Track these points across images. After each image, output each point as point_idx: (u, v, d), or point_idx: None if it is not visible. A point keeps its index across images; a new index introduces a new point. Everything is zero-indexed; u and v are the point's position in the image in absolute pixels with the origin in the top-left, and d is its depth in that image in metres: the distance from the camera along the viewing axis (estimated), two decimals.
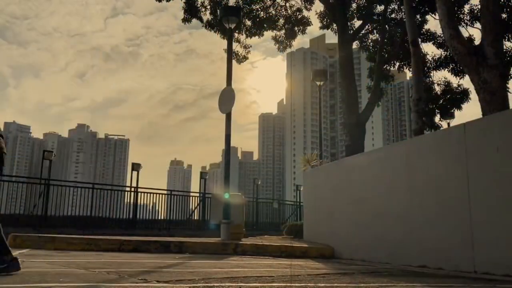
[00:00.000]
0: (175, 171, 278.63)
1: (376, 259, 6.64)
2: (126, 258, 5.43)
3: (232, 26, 8.94)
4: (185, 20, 14.93)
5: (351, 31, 14.35)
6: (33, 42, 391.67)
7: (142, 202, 15.31)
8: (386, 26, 14.57)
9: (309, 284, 2.99)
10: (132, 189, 14.89)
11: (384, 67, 14.11)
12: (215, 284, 2.85)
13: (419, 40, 10.74)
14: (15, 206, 14.08)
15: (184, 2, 14.69)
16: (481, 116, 6.58)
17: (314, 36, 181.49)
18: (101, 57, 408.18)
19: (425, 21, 14.05)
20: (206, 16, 15.37)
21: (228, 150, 8.28)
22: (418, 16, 12.98)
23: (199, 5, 15.10)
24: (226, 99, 8.61)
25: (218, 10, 15.29)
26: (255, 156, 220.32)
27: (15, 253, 5.79)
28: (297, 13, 17.04)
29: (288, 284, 2.97)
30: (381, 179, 6.71)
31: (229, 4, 15.78)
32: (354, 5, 14.43)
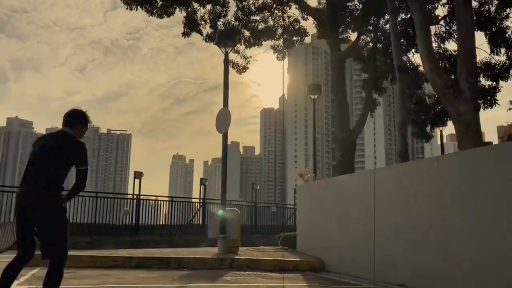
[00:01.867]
0: (177, 166, 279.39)
1: (361, 274, 7.15)
2: (130, 278, 5.98)
3: (228, 49, 9.45)
4: (185, 34, 15.40)
5: (346, 44, 14.79)
6: (33, 36, 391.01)
7: (144, 207, 15.91)
8: (380, 37, 15.00)
9: None
10: (135, 196, 15.46)
11: (378, 79, 14.55)
12: None
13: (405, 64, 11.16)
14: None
15: (184, 17, 15.17)
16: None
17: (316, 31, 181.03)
18: (101, 50, 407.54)
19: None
20: (206, 29, 15.84)
21: (225, 164, 8.80)
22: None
23: (198, 19, 15.56)
24: (223, 119, 9.12)
25: (217, 24, 15.78)
26: (257, 151, 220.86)
27: (28, 275, 6.29)
28: (295, 23, 17.47)
29: None
30: (369, 200, 7.21)
31: (228, 16, 16.24)
32: (348, 19, 14.81)
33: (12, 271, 3.50)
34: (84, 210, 14.60)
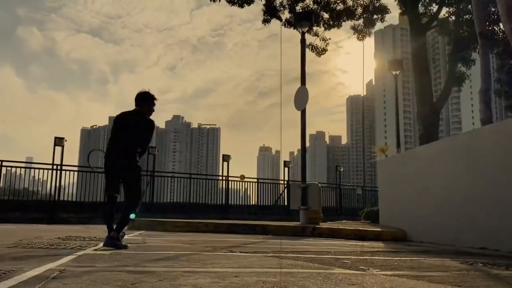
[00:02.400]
0: (264, 157, 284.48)
1: (443, 241, 7.21)
2: (219, 237, 6.72)
3: (305, 30, 9.83)
4: (265, 21, 15.93)
5: (428, 17, 14.28)
6: (127, 39, 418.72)
7: (233, 188, 17.00)
8: (465, 7, 14.28)
9: (351, 257, 3.93)
10: (224, 178, 16.54)
11: (463, 50, 13.89)
12: (282, 254, 3.91)
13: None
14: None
15: (263, 5, 15.72)
16: None
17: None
18: (189, 49, 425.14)
19: None
20: (285, 15, 16.22)
21: (304, 145, 9.22)
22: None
23: (278, 5, 16.00)
24: (301, 97, 9.54)
25: (296, 8, 16.10)
26: (344, 140, 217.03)
27: (135, 233, 7.38)
28: (375, 1, 17.17)
29: (335, 256, 3.93)
30: (445, 168, 7.25)
31: (306, 1, 16.48)
32: None
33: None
34: (180, 190, 16.01)
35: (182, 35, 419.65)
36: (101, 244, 4.71)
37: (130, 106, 5.05)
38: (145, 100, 4.87)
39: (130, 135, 4.69)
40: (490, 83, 7.99)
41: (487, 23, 11.89)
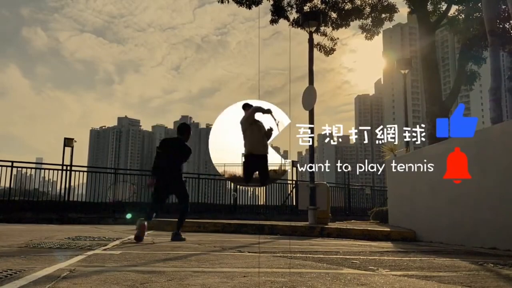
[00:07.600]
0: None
1: (453, 241, 7.16)
2: (227, 237, 6.73)
3: (312, 29, 9.80)
4: (273, 21, 15.90)
5: (437, 15, 14.17)
6: (130, 39, 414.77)
7: (242, 188, 17.00)
8: (475, 5, 14.17)
9: (360, 257, 3.91)
10: None
11: (473, 49, 13.77)
12: (289, 254, 3.91)
13: None
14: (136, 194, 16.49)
15: (271, 5, 15.70)
16: None
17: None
18: (193, 48, 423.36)
19: None
20: (292, 15, 16.18)
21: (312, 146, 9.18)
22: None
23: (285, 5, 15.97)
24: (309, 97, 9.51)
25: (304, 8, 16.07)
26: (351, 140, 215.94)
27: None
28: (383, 0, 17.08)
29: (344, 256, 3.92)
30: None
31: (314, 0, 16.43)
32: None
33: None
34: (188, 190, 16.04)
35: (186, 34, 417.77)
36: (111, 244, 4.75)
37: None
38: (185, 130, 6.60)
39: (176, 156, 6.14)
40: (501, 81, 7.92)
41: (497, 21, 11.74)
